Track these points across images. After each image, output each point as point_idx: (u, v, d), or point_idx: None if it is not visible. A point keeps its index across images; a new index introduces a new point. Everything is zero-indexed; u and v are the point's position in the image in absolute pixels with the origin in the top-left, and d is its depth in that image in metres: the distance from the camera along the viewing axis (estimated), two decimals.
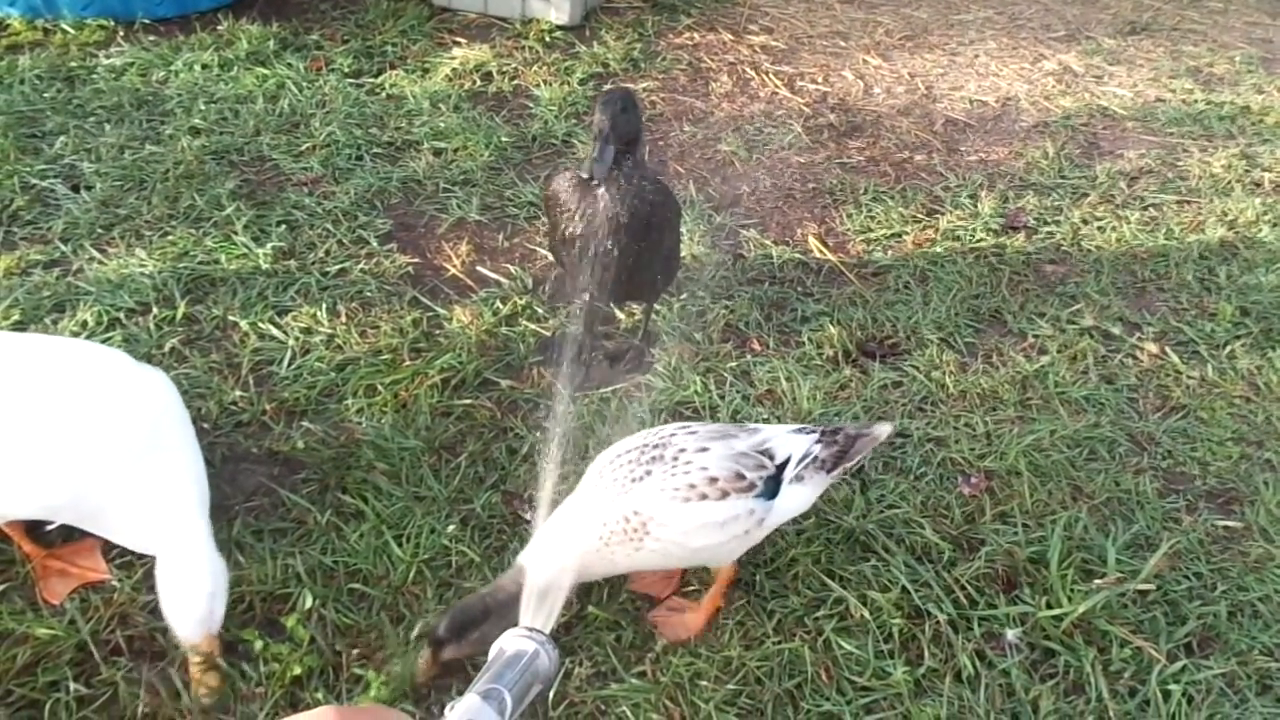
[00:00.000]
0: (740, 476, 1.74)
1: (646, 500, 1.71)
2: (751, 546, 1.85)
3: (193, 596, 1.61)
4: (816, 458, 1.83)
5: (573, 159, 3.34)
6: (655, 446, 1.77)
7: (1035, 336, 2.74)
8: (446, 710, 0.91)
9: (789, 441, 1.83)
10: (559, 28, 4.16)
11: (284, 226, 2.88)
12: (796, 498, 1.83)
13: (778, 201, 3.27)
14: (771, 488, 1.78)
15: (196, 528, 1.68)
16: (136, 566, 1.89)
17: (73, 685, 1.70)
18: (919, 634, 1.93)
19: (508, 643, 1.01)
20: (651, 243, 2.25)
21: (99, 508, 1.69)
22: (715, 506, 1.72)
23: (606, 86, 2.13)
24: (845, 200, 3.28)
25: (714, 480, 1.72)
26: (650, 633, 1.88)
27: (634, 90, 2.14)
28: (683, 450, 1.75)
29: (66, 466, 1.66)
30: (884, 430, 1.92)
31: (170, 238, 2.78)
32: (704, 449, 1.75)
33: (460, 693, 0.93)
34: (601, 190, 2.14)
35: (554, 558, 1.70)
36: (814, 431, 1.87)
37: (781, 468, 1.80)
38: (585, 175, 2.14)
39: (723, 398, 2.43)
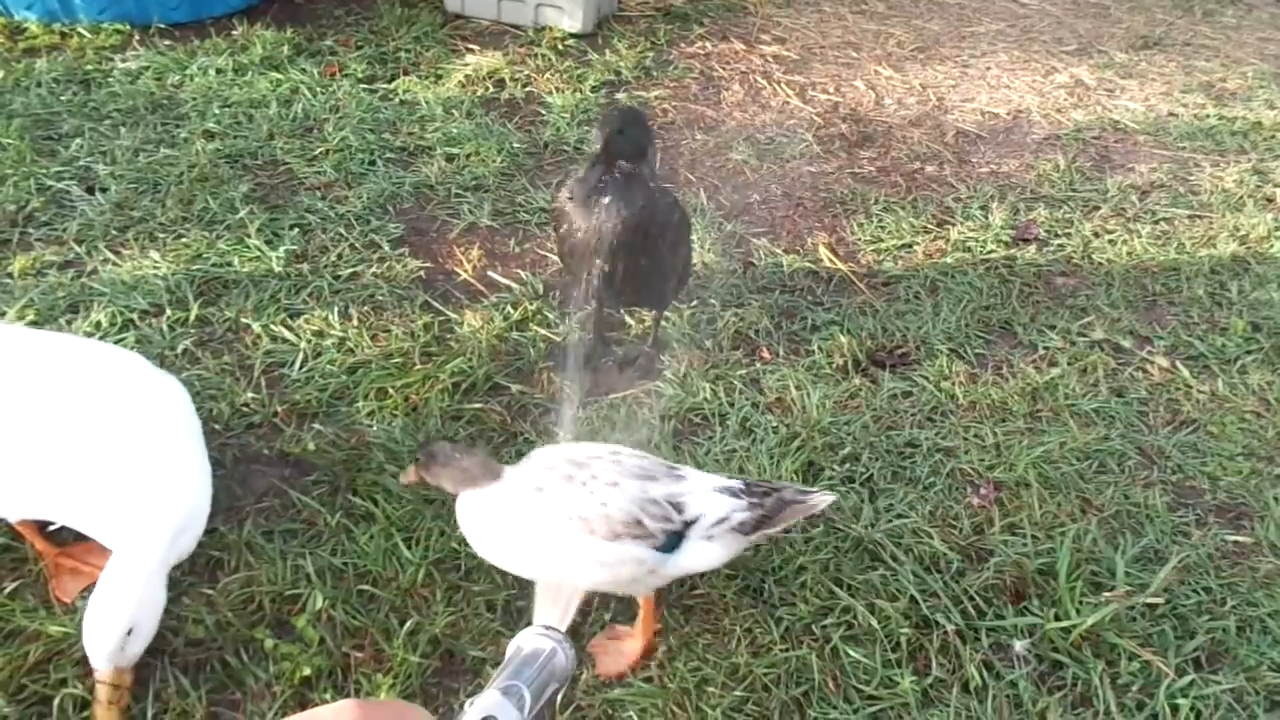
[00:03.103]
0: (638, 524, 1.67)
1: (539, 518, 1.68)
2: (661, 586, 1.80)
3: (110, 627, 1.54)
4: (736, 520, 1.74)
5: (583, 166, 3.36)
6: (579, 465, 1.71)
7: (1045, 348, 2.74)
8: (466, 705, 0.92)
9: (708, 500, 1.73)
10: (571, 35, 4.18)
11: (297, 230, 2.89)
12: (702, 555, 1.75)
13: (788, 210, 3.28)
14: (674, 541, 1.71)
15: (153, 550, 1.63)
16: None
17: (81, 685, 1.71)
18: (927, 644, 1.92)
19: (525, 641, 1.01)
20: (659, 251, 2.26)
21: (93, 510, 1.68)
22: (601, 545, 1.67)
23: (618, 100, 2.18)
24: (856, 210, 3.29)
25: (609, 519, 1.66)
26: (658, 637, 1.89)
27: (638, 110, 2.17)
28: (594, 478, 1.69)
29: (61, 467, 1.66)
30: (823, 501, 1.80)
31: (184, 240, 2.80)
32: (615, 484, 1.69)
33: (477, 690, 0.94)
34: (607, 199, 2.16)
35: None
36: (744, 491, 1.76)
37: (691, 524, 1.72)
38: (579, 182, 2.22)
39: (732, 405, 2.43)
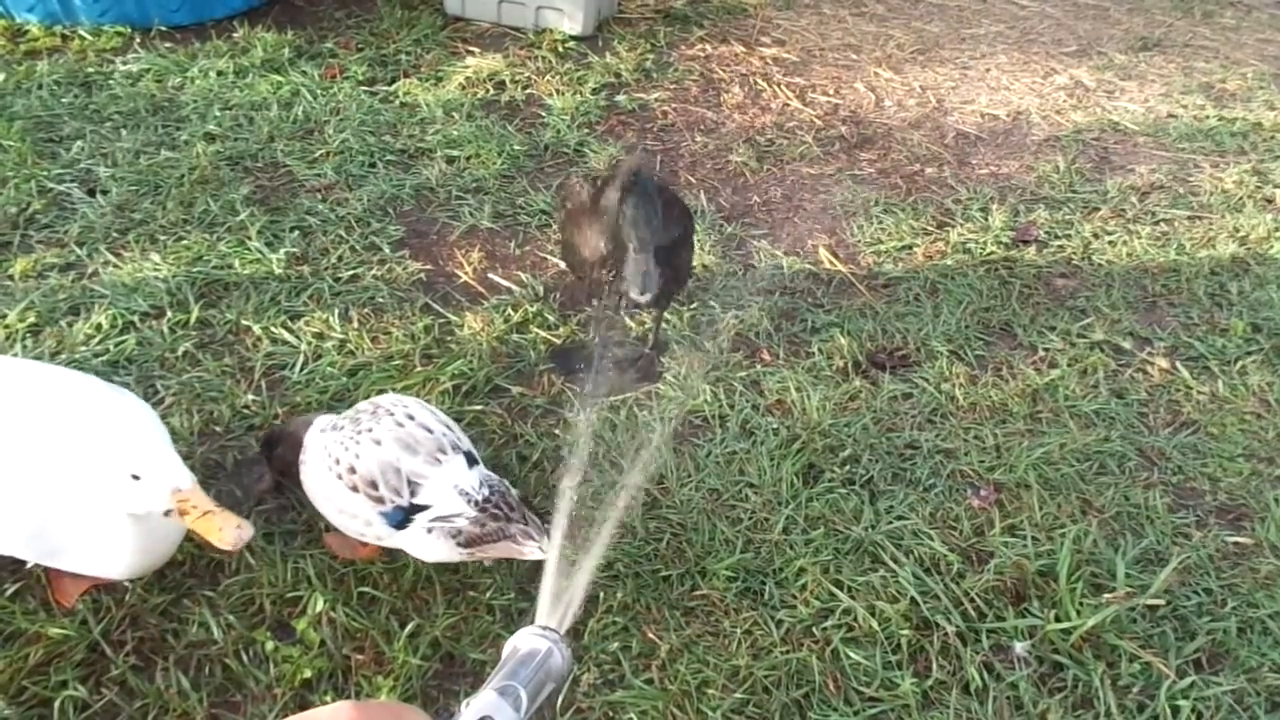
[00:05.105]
0: (374, 485, 1.72)
1: (313, 443, 1.81)
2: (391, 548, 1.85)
3: (156, 447, 1.54)
4: (454, 526, 1.73)
5: (584, 168, 3.36)
6: (373, 413, 1.79)
7: (1045, 350, 2.74)
8: (462, 706, 0.92)
9: (443, 495, 1.73)
10: (571, 38, 4.19)
11: (297, 232, 2.89)
12: (420, 544, 1.76)
13: (788, 212, 3.28)
14: (399, 516, 1.73)
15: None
16: None
17: (81, 687, 1.71)
18: (927, 645, 1.92)
19: (521, 640, 1.01)
20: (664, 251, 2.26)
21: (64, 542, 1.62)
22: (341, 491, 1.75)
23: (624, 162, 2.06)
24: (856, 212, 3.29)
25: (352, 471, 1.73)
26: (657, 639, 1.89)
27: (650, 174, 2.09)
28: (369, 430, 1.76)
29: (21, 501, 1.59)
30: (532, 553, 1.71)
31: (185, 242, 2.80)
32: (377, 442, 1.74)
33: (473, 690, 0.94)
34: (617, 201, 2.15)
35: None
36: (481, 504, 1.72)
37: (418, 509, 1.74)
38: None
39: (732, 407, 2.43)
